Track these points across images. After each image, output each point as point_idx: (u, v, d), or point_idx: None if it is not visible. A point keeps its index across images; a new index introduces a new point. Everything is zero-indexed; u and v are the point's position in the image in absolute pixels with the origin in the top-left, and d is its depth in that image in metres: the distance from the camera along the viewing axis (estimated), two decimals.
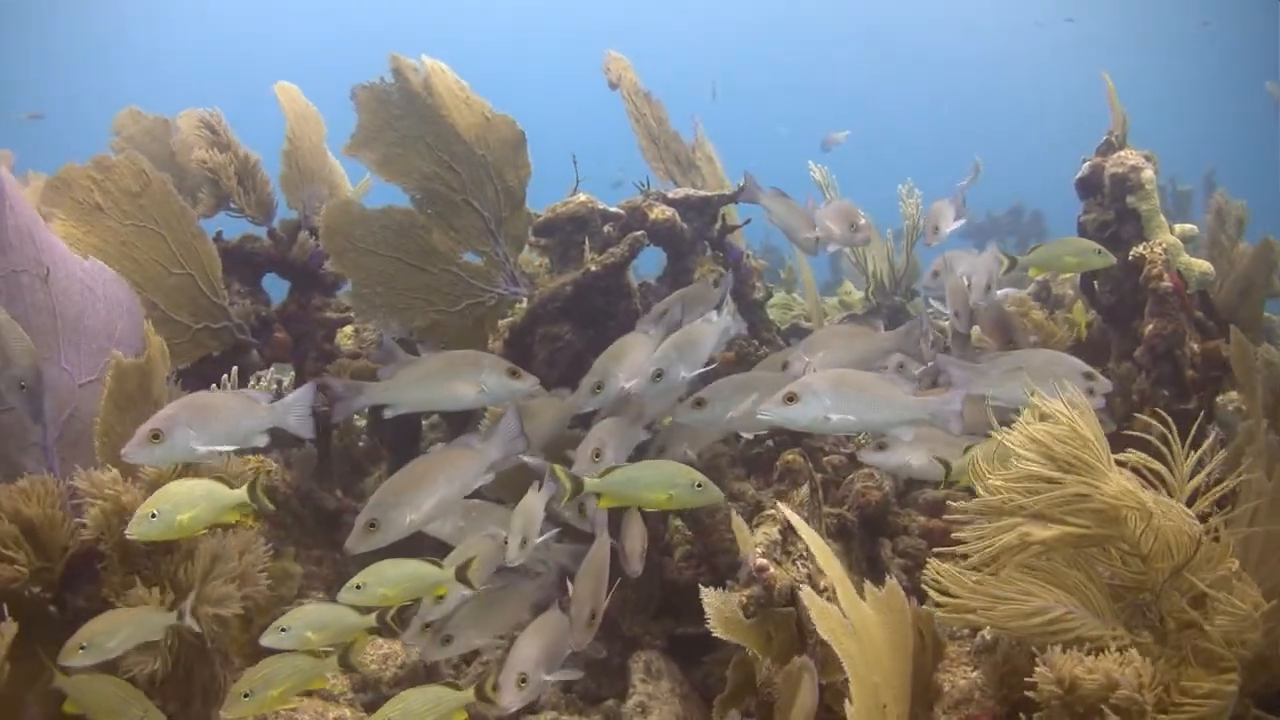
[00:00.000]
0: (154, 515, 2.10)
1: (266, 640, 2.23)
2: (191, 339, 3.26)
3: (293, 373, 3.69)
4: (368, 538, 2.28)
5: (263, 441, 2.41)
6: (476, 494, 2.56)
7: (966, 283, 3.10)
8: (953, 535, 2.10)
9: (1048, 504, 1.94)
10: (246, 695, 2.15)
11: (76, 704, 2.16)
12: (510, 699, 2.24)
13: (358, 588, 2.21)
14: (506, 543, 2.40)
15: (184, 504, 2.13)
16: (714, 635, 2.34)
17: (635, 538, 2.57)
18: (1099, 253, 3.11)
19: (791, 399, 2.39)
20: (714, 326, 2.80)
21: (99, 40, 25.74)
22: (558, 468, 2.41)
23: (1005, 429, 2.08)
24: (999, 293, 3.29)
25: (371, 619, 2.30)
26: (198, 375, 3.14)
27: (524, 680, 2.25)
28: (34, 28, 24.26)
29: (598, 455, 2.58)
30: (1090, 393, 2.68)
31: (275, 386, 3.91)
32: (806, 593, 1.99)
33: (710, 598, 2.34)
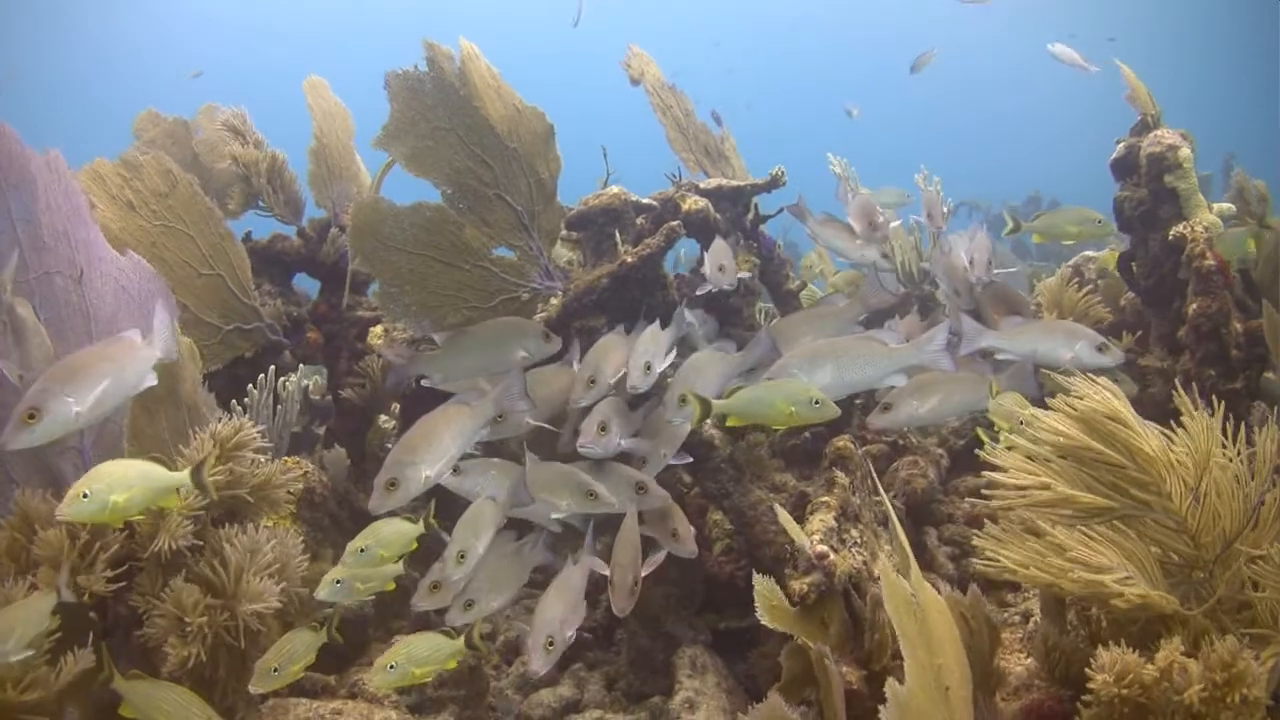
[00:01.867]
0: (86, 495, 2.01)
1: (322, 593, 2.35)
2: (222, 340, 3.23)
3: (324, 372, 3.66)
4: (389, 497, 2.29)
5: (153, 380, 2.28)
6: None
7: (968, 261, 3.13)
8: (987, 491, 2.10)
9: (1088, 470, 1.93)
10: (392, 666, 2.26)
11: (134, 709, 2.12)
12: (539, 663, 2.30)
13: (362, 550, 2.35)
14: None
15: (118, 484, 2.04)
16: (762, 625, 2.31)
17: (625, 568, 2.54)
18: (1099, 222, 3.12)
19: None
20: (665, 332, 2.87)
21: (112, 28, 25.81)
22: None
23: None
24: (1000, 272, 3.33)
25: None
26: (230, 376, 3.11)
27: (551, 643, 2.30)
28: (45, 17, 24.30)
29: (603, 429, 2.63)
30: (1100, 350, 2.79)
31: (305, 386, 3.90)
32: (882, 566, 1.96)
33: (760, 584, 2.30)
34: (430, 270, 3.21)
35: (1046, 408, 2.08)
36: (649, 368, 2.67)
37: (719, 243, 3.10)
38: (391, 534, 2.38)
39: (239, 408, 2.68)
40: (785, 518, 2.48)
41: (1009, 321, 2.91)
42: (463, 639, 2.33)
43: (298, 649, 2.24)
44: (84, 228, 2.76)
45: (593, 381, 2.69)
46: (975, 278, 3.14)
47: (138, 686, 2.12)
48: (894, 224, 3.61)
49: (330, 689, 2.83)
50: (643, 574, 2.52)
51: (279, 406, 2.90)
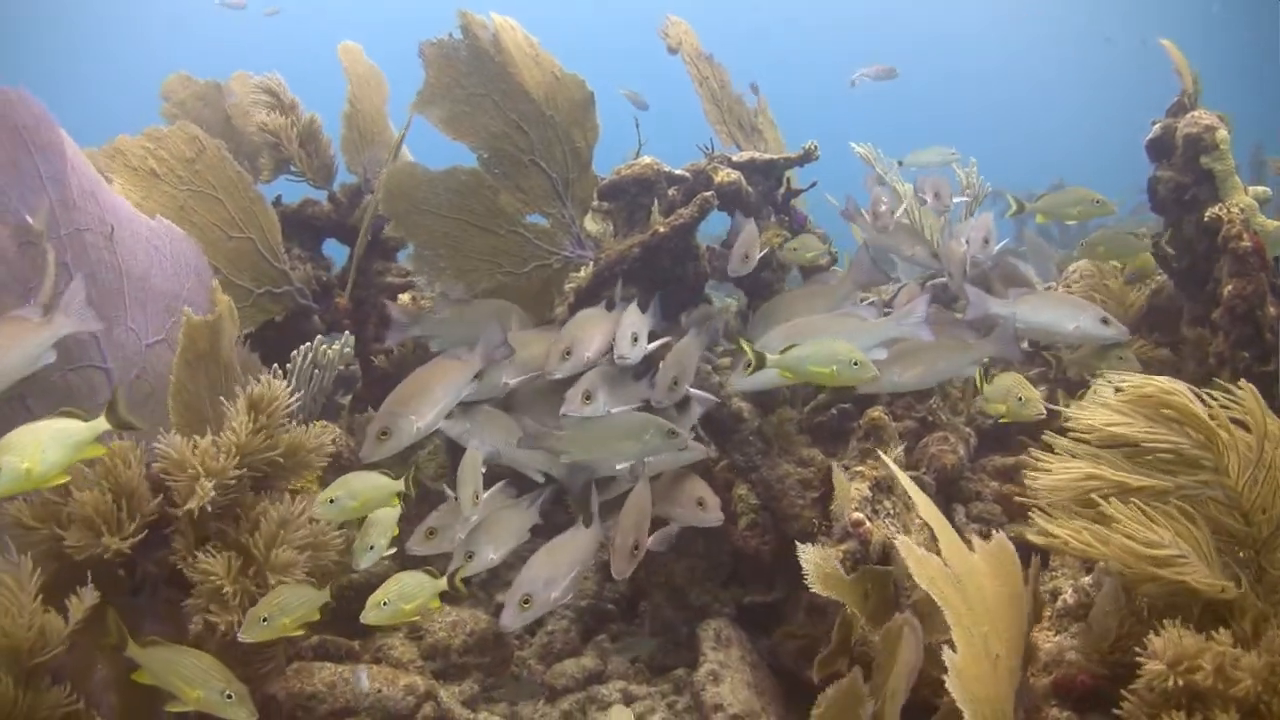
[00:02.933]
0: None
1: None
2: (253, 303, 3.24)
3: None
4: (380, 445, 2.36)
5: (51, 358, 2.25)
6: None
7: (965, 243, 3.18)
8: (1030, 473, 2.09)
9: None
10: (385, 603, 2.27)
11: (150, 675, 2.10)
12: (509, 618, 2.31)
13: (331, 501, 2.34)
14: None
15: (29, 450, 1.95)
16: (787, 601, 2.30)
17: (628, 531, 2.53)
18: (1098, 202, 3.13)
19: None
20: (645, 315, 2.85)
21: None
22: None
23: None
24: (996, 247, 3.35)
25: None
26: (259, 339, 3.10)
27: (527, 601, 2.30)
28: None
29: (588, 398, 2.61)
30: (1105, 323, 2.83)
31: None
32: (902, 542, 1.94)
33: (809, 554, 2.28)
34: (465, 234, 3.21)
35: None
36: (635, 339, 2.66)
37: (748, 230, 3.07)
38: (362, 486, 2.37)
39: (279, 371, 2.67)
40: (840, 480, 2.46)
41: (1014, 293, 2.93)
42: (444, 578, 2.33)
43: (290, 602, 2.19)
44: (110, 190, 2.78)
45: (568, 353, 2.67)
46: (973, 255, 3.14)
47: (155, 653, 2.10)
48: (956, 199, 3.61)
49: (354, 653, 2.82)
50: (652, 546, 2.54)
51: (316, 371, 2.88)
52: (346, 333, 3.17)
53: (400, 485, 2.43)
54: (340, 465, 3.04)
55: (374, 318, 3.48)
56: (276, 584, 2.23)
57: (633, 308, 2.77)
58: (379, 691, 2.55)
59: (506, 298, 3.27)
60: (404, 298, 3.59)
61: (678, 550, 2.85)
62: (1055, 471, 2.03)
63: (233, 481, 2.26)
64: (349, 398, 3.55)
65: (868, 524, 2.26)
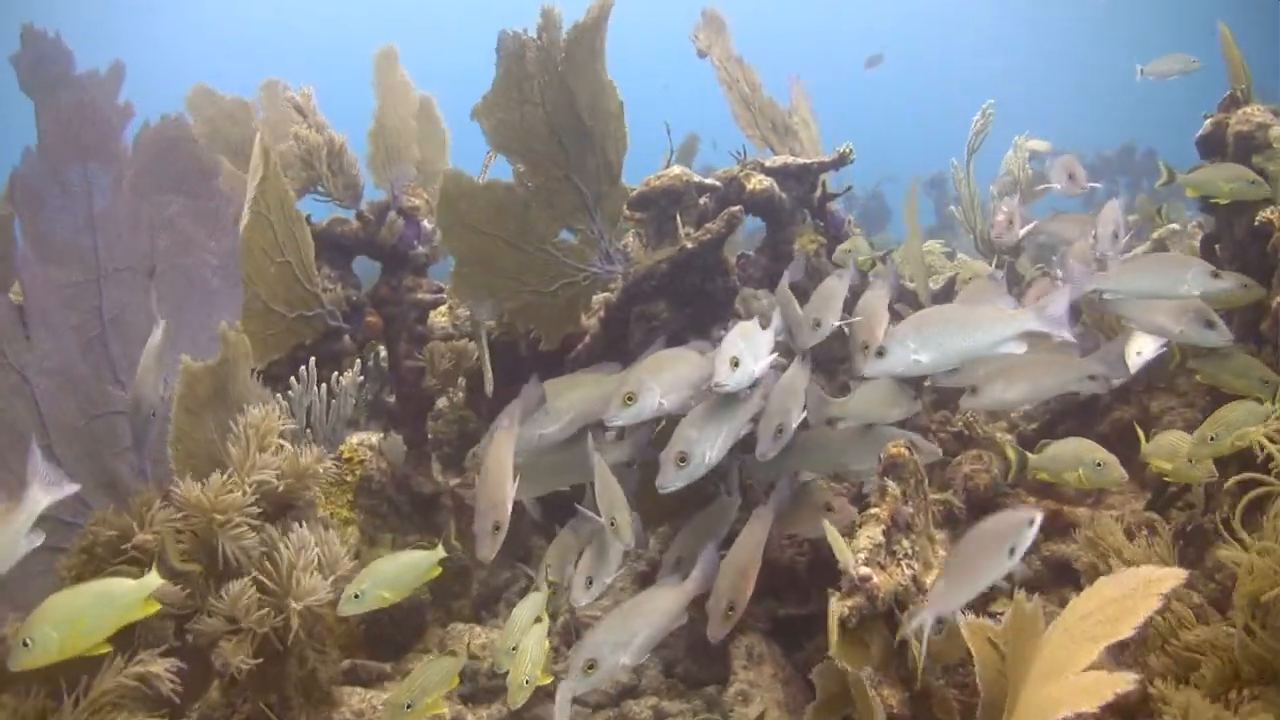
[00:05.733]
0: (27, 643, 1.83)
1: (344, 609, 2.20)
2: (287, 328, 3.19)
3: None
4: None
5: (38, 540, 2.04)
6: None
7: (1093, 237, 3.03)
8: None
9: None
10: (409, 707, 2.13)
11: None
12: (570, 686, 2.22)
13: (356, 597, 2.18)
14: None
15: (64, 619, 1.85)
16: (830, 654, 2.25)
17: (723, 593, 2.47)
18: (1253, 182, 2.96)
19: (880, 353, 2.40)
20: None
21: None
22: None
23: None
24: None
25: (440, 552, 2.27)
26: (291, 362, 3.12)
27: (591, 667, 2.21)
28: None
29: (735, 364, 2.46)
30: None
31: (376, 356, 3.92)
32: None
33: (836, 608, 2.21)
34: (497, 251, 3.19)
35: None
36: (736, 363, 2.48)
37: (827, 291, 2.86)
38: (392, 570, 2.23)
39: (281, 400, 2.67)
40: (834, 536, 2.41)
41: (1113, 262, 2.85)
42: (440, 546, 2.26)
43: (431, 679, 2.15)
44: (177, 200, 2.77)
45: (631, 398, 2.50)
46: (1101, 251, 3.00)
47: None
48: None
49: (386, 676, 2.86)
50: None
51: (333, 401, 2.89)
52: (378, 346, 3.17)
53: (439, 554, 2.27)
54: (371, 489, 3.08)
55: (405, 334, 3.49)
56: (304, 610, 2.23)
57: (744, 326, 2.61)
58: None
59: (531, 318, 3.26)
60: (440, 310, 3.60)
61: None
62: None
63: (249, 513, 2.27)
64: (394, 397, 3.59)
65: (875, 579, 2.22)
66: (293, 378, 2.84)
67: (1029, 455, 2.60)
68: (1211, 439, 2.33)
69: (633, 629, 2.29)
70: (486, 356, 3.32)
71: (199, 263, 2.80)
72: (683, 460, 2.44)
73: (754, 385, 2.56)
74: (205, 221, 2.79)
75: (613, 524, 2.39)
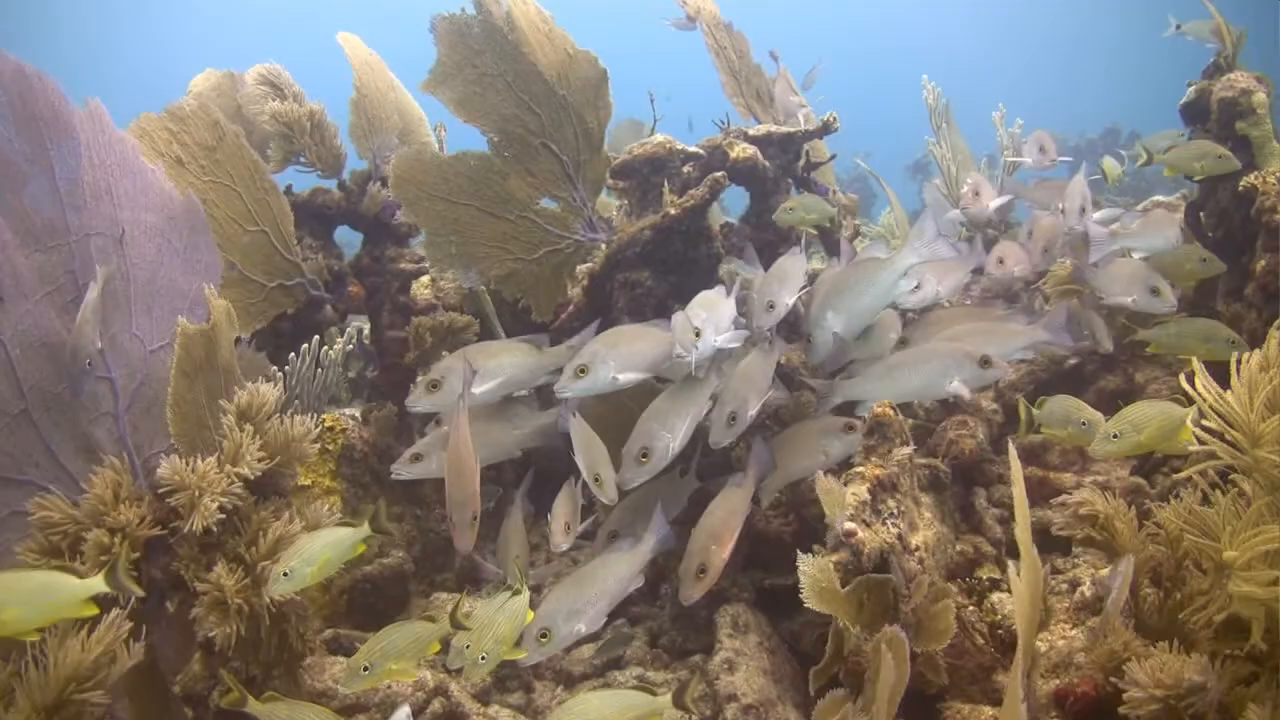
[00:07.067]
0: None
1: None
2: (266, 298, 3.19)
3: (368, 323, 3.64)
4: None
5: None
6: None
7: (1061, 210, 3.07)
8: None
9: None
10: (366, 669, 2.07)
11: None
12: (528, 655, 2.21)
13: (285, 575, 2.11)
14: None
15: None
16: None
17: (694, 554, 2.46)
18: (1221, 157, 2.98)
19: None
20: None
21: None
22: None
23: None
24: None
25: (446, 626, 2.15)
26: (273, 332, 3.10)
27: (545, 635, 2.21)
28: None
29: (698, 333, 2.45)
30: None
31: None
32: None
33: (806, 565, 2.20)
34: (475, 220, 3.17)
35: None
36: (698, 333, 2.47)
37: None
38: (318, 547, 2.16)
39: (279, 372, 2.66)
40: (825, 489, 2.40)
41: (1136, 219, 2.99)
42: (366, 523, 2.20)
43: (394, 645, 2.09)
44: (130, 178, 2.72)
45: (584, 370, 2.48)
46: (1070, 225, 3.02)
47: (276, 709, 2.05)
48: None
49: None
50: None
51: (319, 370, 2.86)
52: (358, 320, 3.15)
53: (365, 531, 2.22)
54: (354, 458, 3.05)
55: (388, 304, 3.47)
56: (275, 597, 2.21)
57: (706, 295, 2.60)
58: (387, 687, 2.56)
59: (518, 284, 3.24)
60: (423, 281, 3.57)
61: (686, 521, 2.82)
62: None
63: (233, 494, 2.26)
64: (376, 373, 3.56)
65: (860, 534, 2.21)
66: (292, 354, 2.82)
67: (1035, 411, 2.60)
68: (1115, 436, 2.29)
69: (586, 596, 2.29)
70: (495, 320, 3.31)
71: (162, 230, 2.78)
72: (644, 455, 2.44)
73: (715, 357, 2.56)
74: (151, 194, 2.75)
75: (596, 480, 2.39)
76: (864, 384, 2.69)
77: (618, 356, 2.48)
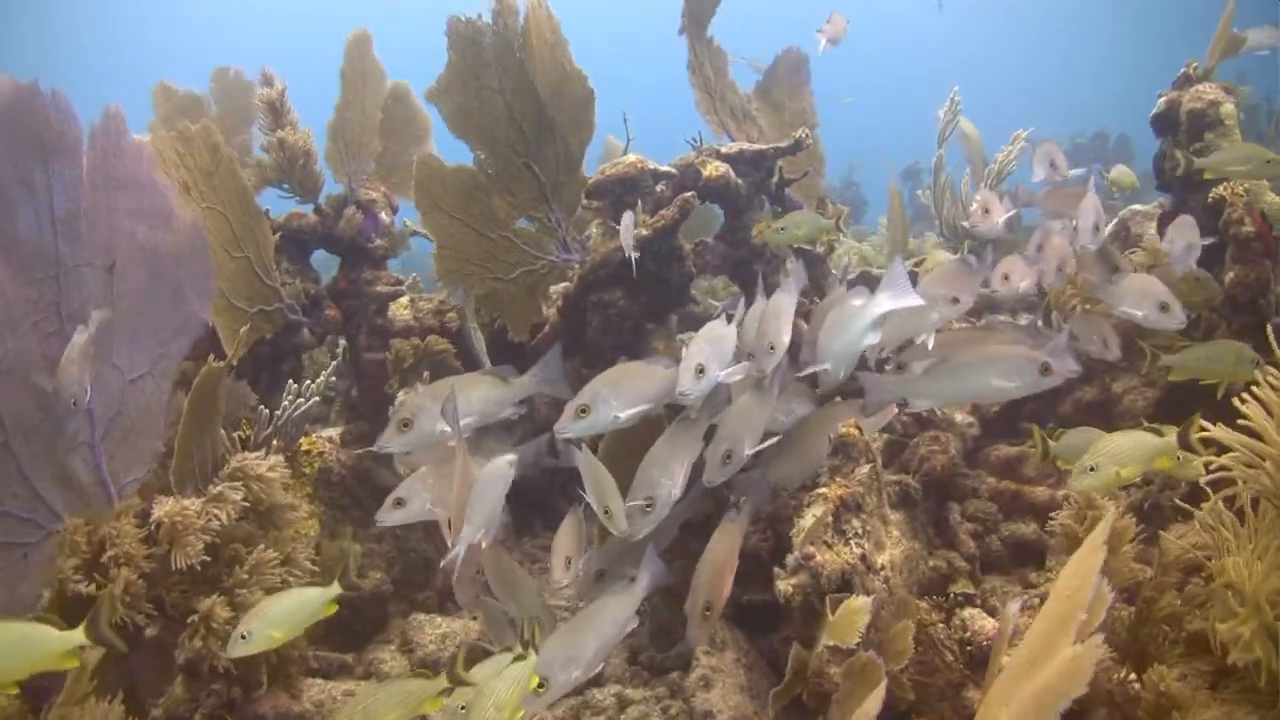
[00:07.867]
0: None
1: None
2: (249, 324, 3.17)
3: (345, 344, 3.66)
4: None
5: None
6: None
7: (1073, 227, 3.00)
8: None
9: None
10: (244, 636, 2.02)
11: None
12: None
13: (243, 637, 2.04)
14: None
15: None
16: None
17: (699, 590, 2.43)
18: (1269, 162, 2.92)
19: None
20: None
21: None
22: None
23: None
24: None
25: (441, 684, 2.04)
26: (251, 357, 3.12)
27: (542, 686, 2.13)
28: None
29: (700, 371, 2.44)
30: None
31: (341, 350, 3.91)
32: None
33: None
34: (465, 236, 3.19)
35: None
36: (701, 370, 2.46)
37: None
38: (282, 610, 2.09)
39: (265, 412, 2.69)
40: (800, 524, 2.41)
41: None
42: (336, 583, 2.10)
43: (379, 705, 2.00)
44: (135, 195, 2.68)
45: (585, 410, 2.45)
46: (1082, 244, 2.98)
47: None
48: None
49: (347, 668, 2.87)
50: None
51: (299, 400, 2.87)
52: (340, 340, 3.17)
53: (334, 591, 2.12)
54: (331, 481, 3.08)
55: (366, 327, 3.49)
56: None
57: (711, 328, 2.58)
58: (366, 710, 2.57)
59: (496, 304, 3.26)
60: (401, 301, 3.59)
61: (673, 550, 2.83)
62: None
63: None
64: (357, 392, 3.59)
65: (818, 556, 2.22)
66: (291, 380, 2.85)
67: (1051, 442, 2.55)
68: (1091, 469, 2.25)
69: (583, 643, 2.24)
70: (480, 341, 3.33)
71: (158, 256, 2.77)
72: (649, 505, 2.41)
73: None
74: (156, 216, 2.75)
75: (606, 513, 2.35)
76: (927, 383, 2.59)
77: (619, 396, 2.46)
